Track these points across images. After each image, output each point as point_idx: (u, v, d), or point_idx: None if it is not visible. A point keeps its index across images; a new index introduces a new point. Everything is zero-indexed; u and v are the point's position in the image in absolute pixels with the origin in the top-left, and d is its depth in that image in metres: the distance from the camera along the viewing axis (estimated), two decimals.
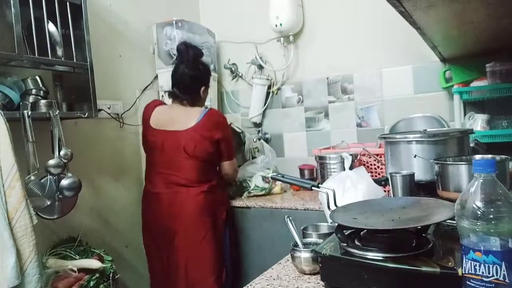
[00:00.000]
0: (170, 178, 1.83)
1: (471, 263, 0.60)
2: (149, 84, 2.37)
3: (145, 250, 1.97)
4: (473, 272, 0.60)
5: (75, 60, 1.69)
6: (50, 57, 1.59)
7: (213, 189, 1.86)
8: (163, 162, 1.85)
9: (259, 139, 2.62)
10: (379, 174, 1.89)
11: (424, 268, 0.71)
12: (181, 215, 1.80)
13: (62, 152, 1.62)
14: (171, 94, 1.92)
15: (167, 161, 1.83)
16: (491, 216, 0.58)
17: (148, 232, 1.94)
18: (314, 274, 0.98)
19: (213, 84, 2.57)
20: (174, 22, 2.28)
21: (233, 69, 2.74)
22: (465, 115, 1.98)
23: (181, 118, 1.83)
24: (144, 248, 1.99)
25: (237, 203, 2.13)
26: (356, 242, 0.85)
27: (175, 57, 2.26)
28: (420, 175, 1.25)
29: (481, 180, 0.61)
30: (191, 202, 1.80)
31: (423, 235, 0.85)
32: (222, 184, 1.99)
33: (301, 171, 2.39)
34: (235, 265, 2.07)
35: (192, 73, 1.86)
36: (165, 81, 2.35)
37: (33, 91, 1.63)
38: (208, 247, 1.80)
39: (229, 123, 2.07)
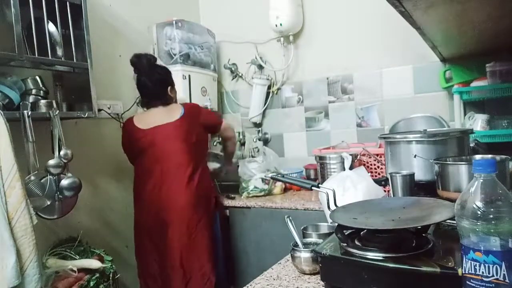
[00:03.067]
0: (162, 169, 1.83)
1: (471, 263, 0.60)
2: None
3: (137, 252, 1.91)
4: (473, 272, 0.60)
5: (75, 60, 1.69)
6: (50, 57, 1.59)
7: (205, 173, 1.95)
8: (154, 157, 1.85)
9: (259, 139, 2.62)
10: (379, 174, 1.89)
11: (424, 268, 0.71)
12: (174, 206, 1.81)
13: (62, 152, 1.62)
14: (143, 104, 2.01)
15: (159, 154, 1.84)
16: (491, 216, 0.58)
17: (139, 230, 1.89)
18: (314, 274, 0.98)
19: (213, 84, 2.57)
20: (174, 22, 2.28)
21: (233, 69, 2.74)
22: (465, 115, 1.98)
23: (165, 115, 1.89)
24: (135, 250, 1.93)
25: (237, 203, 2.13)
26: (356, 242, 0.85)
27: (175, 57, 2.27)
28: (420, 175, 1.25)
29: (481, 180, 0.61)
30: (184, 191, 1.83)
31: (423, 235, 0.85)
32: (209, 171, 2.06)
33: (307, 170, 2.39)
34: (226, 252, 2.14)
35: (153, 78, 1.91)
36: None
37: (33, 91, 1.63)
38: (202, 234, 1.84)
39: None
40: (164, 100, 1.94)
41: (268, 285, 0.95)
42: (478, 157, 1.20)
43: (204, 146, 2.04)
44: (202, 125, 1.97)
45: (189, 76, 2.32)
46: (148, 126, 1.87)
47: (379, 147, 2.05)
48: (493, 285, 0.58)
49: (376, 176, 1.89)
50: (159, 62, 2.11)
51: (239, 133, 2.46)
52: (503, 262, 0.57)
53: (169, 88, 1.97)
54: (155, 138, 1.85)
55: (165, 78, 1.97)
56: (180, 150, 1.85)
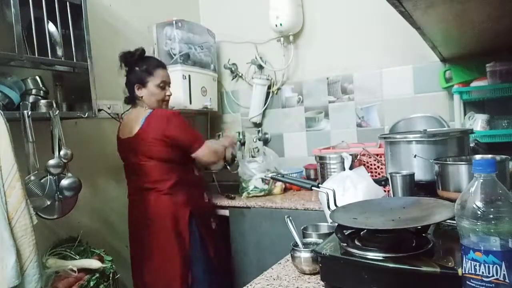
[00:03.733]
0: (136, 183, 1.85)
1: (471, 263, 0.60)
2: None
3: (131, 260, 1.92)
4: (473, 272, 0.60)
5: (75, 60, 1.69)
6: (50, 57, 1.59)
7: (173, 190, 1.78)
8: (128, 170, 1.90)
9: (259, 139, 2.62)
10: (379, 174, 1.89)
11: (424, 268, 0.71)
12: (147, 221, 1.79)
13: (62, 152, 1.62)
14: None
15: (131, 168, 1.86)
16: (491, 216, 0.58)
17: (130, 238, 1.92)
18: (314, 274, 0.98)
19: (213, 84, 2.57)
20: (174, 22, 2.28)
21: (233, 69, 2.74)
22: (465, 115, 1.98)
23: (129, 124, 1.84)
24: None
25: (237, 203, 2.13)
26: (356, 242, 0.85)
27: (175, 57, 2.27)
28: (420, 175, 1.25)
29: (481, 180, 0.61)
30: (152, 207, 1.78)
31: (423, 235, 0.85)
32: (186, 181, 1.85)
33: (307, 170, 2.39)
34: (212, 263, 1.89)
35: (125, 79, 1.89)
36: None
37: (33, 91, 1.63)
38: (169, 253, 1.75)
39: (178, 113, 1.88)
40: (131, 100, 1.90)
41: (268, 285, 0.95)
42: (478, 157, 1.20)
43: (174, 155, 1.79)
44: (167, 140, 1.75)
45: (189, 76, 2.32)
46: (121, 135, 1.89)
47: (379, 147, 2.05)
48: (493, 285, 0.58)
49: (376, 176, 1.89)
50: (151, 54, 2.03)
51: (239, 133, 2.46)
52: (503, 262, 0.57)
53: (136, 86, 1.84)
54: (125, 151, 1.88)
55: (130, 76, 1.87)
56: (149, 168, 1.77)
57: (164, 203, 1.78)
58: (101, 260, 1.68)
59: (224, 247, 2.09)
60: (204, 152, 1.83)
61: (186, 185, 1.84)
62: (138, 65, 1.86)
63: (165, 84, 1.89)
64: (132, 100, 1.90)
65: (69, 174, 1.65)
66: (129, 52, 1.86)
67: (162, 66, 1.93)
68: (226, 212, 2.16)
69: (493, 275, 0.57)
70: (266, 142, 2.70)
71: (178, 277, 1.75)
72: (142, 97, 1.85)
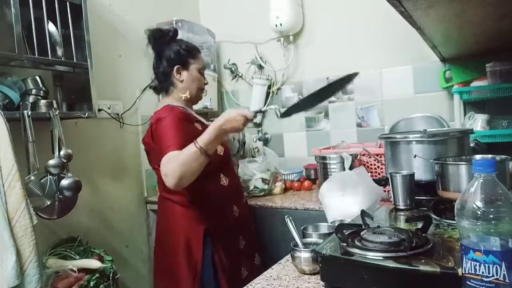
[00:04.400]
0: (159, 190, 1.68)
1: (471, 263, 0.60)
2: (149, 84, 2.37)
3: None
4: (473, 272, 0.60)
5: (75, 60, 1.69)
6: (50, 57, 1.59)
7: (188, 202, 1.49)
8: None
9: (259, 139, 2.61)
10: (379, 174, 1.89)
11: (424, 268, 0.71)
12: (161, 234, 1.61)
13: (62, 152, 1.62)
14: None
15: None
16: (491, 216, 0.58)
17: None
18: (314, 274, 0.98)
19: (213, 84, 2.57)
20: (174, 22, 2.28)
21: (233, 69, 2.74)
22: (465, 115, 1.98)
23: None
24: None
25: None
26: (356, 242, 0.85)
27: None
28: (420, 175, 1.25)
29: (481, 180, 0.61)
30: (165, 219, 1.57)
31: (423, 235, 0.85)
32: (208, 192, 1.51)
33: (307, 170, 2.39)
34: None
35: (155, 57, 1.60)
36: None
37: (33, 91, 1.63)
38: (178, 274, 1.46)
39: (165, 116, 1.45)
40: (163, 85, 1.60)
41: (268, 285, 0.95)
42: (478, 157, 1.20)
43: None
44: (154, 149, 1.46)
45: None
46: None
47: (379, 147, 2.05)
48: (493, 285, 0.58)
49: (376, 176, 1.89)
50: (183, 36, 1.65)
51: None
52: (503, 262, 0.57)
53: (175, 68, 1.55)
54: None
55: (169, 55, 1.56)
56: (159, 177, 1.47)
57: (177, 216, 1.51)
58: (101, 260, 1.68)
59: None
60: (163, 165, 1.30)
61: (207, 197, 1.51)
62: (176, 45, 1.58)
63: (203, 70, 1.66)
64: (165, 87, 1.60)
65: (69, 174, 1.65)
66: (160, 30, 1.59)
67: (200, 51, 1.68)
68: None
69: (493, 275, 0.57)
70: (266, 142, 2.70)
71: None
72: (182, 81, 1.57)
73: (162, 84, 1.61)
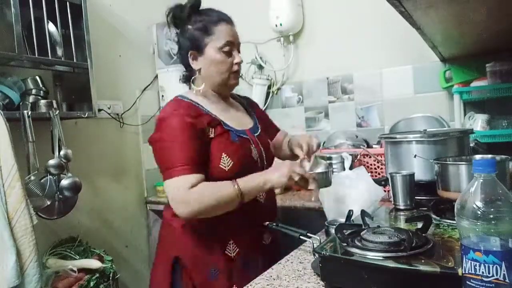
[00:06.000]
0: None
1: (471, 263, 0.60)
2: (149, 84, 2.37)
3: None
4: (473, 272, 0.60)
5: (75, 60, 1.69)
6: (50, 57, 1.60)
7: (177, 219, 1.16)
8: None
9: None
10: (379, 174, 1.89)
11: (424, 268, 0.71)
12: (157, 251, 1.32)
13: (62, 152, 1.62)
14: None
15: None
16: (491, 216, 0.58)
17: None
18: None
19: None
20: None
21: None
22: (465, 115, 1.98)
23: None
24: None
25: None
26: (356, 242, 0.85)
27: (175, 57, 2.26)
28: (420, 175, 1.25)
29: (481, 180, 0.61)
30: (160, 235, 1.30)
31: (423, 235, 0.85)
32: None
33: None
34: None
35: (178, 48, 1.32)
36: (165, 81, 2.35)
37: (33, 91, 1.63)
38: None
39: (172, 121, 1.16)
40: (183, 74, 1.32)
41: (268, 285, 0.95)
42: (478, 157, 1.20)
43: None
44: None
45: None
46: None
47: (379, 147, 2.05)
48: (493, 285, 0.58)
49: (376, 176, 1.89)
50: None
51: None
52: (503, 262, 0.57)
53: (190, 54, 1.25)
54: None
55: (183, 39, 1.27)
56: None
57: (167, 232, 1.24)
58: (101, 260, 1.68)
59: None
60: (169, 188, 1.08)
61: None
62: (191, 23, 1.26)
63: (232, 46, 1.33)
64: (188, 77, 1.31)
65: (69, 174, 1.65)
66: (178, 6, 1.27)
67: (226, 19, 1.34)
68: None
69: (493, 275, 0.57)
70: None
71: None
72: (199, 70, 1.26)
73: (187, 74, 1.32)
